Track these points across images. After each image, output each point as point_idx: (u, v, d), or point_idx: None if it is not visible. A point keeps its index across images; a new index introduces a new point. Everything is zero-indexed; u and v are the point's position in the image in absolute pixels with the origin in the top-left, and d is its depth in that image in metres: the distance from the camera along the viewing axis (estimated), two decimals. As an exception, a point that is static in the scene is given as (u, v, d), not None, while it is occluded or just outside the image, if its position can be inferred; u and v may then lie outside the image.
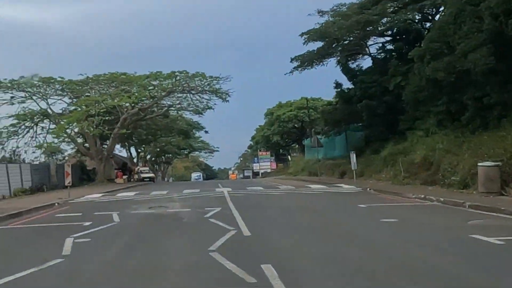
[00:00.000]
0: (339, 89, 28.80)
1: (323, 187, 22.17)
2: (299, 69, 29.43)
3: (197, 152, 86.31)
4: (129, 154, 55.78)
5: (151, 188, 28.84)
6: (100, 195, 22.08)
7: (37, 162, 35.31)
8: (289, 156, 79.81)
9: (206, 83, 35.58)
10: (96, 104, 32.31)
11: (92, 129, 32.18)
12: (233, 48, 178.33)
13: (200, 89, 36.30)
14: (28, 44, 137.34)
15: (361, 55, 29.92)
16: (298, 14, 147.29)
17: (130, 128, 38.28)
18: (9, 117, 34.72)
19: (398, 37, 26.78)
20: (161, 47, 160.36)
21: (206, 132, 54.50)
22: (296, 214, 12.21)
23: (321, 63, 29.70)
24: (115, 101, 32.88)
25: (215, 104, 38.92)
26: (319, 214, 12.22)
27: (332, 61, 30.21)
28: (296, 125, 63.44)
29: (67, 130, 35.46)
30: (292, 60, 28.53)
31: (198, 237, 9.06)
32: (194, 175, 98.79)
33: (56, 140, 36.42)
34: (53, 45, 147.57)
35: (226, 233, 9.06)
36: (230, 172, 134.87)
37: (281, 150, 76.67)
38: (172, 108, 40.74)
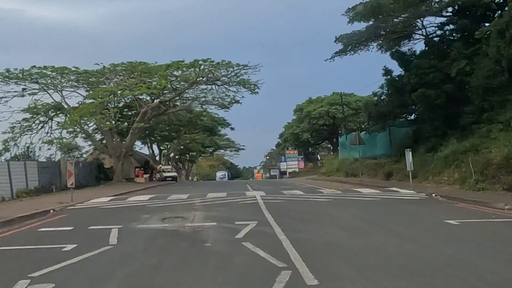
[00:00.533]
0: (388, 77, 24.68)
1: (376, 192, 18.31)
2: (341, 54, 25.58)
3: (222, 151, 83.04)
4: (151, 151, 52.96)
5: (172, 189, 25.58)
6: (109, 198, 18.80)
7: (49, 160, 32.70)
8: (318, 155, 75.96)
9: (232, 73, 32.02)
10: (112, 96, 29.28)
11: (107, 123, 29.11)
12: (260, 45, 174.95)
13: (226, 79, 32.76)
14: (56, 44, 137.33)
15: (411, 38, 25.79)
16: (327, 9, 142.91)
17: (151, 123, 35.13)
18: (22, 111, 32.14)
19: (460, 15, 22.55)
20: (187, 45, 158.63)
21: (232, 129, 51.19)
22: (373, 238, 8.35)
23: (366, 47, 25.80)
24: (134, 92, 29.69)
25: (242, 97, 35.50)
26: (404, 237, 8.33)
27: (373, 48, 26.49)
28: (327, 122, 59.39)
29: (83, 125, 32.55)
30: (336, 40, 24.63)
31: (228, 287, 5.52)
32: (219, 174, 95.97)
33: (68, 136, 33.56)
34: (81, 45, 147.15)
35: (274, 276, 5.49)
36: (255, 171, 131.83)
37: (309, 148, 72.77)
38: (196, 102, 37.41)
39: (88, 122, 33.02)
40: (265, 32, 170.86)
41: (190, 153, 72.59)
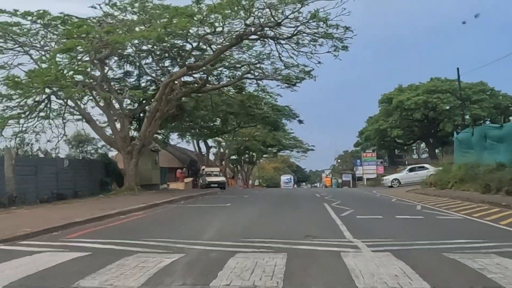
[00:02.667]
0: None
1: None
2: None
3: (287, 151, 70.95)
4: (196, 149, 42.34)
5: (192, 214, 14.48)
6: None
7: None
8: (405, 159, 61.70)
9: (303, 16, 19.91)
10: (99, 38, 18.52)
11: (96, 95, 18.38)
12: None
13: (294, 28, 20.71)
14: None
15: None
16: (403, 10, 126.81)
17: (178, 101, 24.18)
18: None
19: None
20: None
21: (301, 122, 39.15)
22: None
23: None
24: (131, 36, 18.68)
25: (318, 63, 23.08)
26: None
27: None
28: (424, 115, 45.62)
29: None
30: None
31: None
32: (284, 178, 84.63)
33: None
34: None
35: None
36: (323, 175, 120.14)
37: (396, 150, 58.83)
38: (250, 76, 25.84)
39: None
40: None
41: (250, 153, 61.67)
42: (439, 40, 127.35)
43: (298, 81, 24.99)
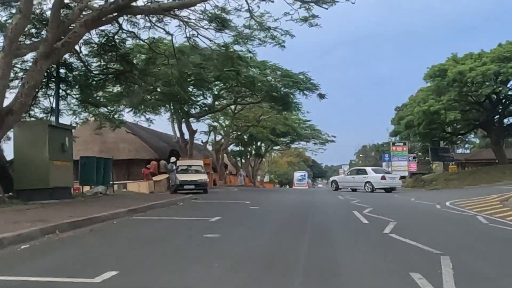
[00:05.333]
0: None
1: None
2: None
3: (302, 143, 58.50)
4: (177, 134, 30.36)
5: None
6: None
7: None
8: (452, 154, 48.95)
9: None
10: None
11: None
12: (349, 43, 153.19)
13: None
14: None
15: None
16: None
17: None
18: None
19: None
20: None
21: (322, 96, 26.95)
22: None
23: None
24: None
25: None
26: None
27: None
28: (495, 92, 33.11)
29: None
30: None
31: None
32: (297, 175, 72.99)
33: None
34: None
35: None
36: (341, 170, 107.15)
37: (441, 142, 45.96)
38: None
39: None
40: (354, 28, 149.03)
41: (257, 143, 49.82)
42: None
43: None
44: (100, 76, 17.04)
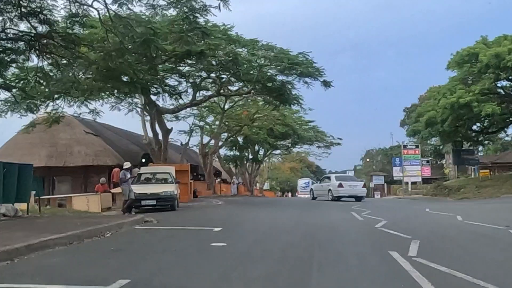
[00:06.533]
0: None
1: None
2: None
3: (305, 147, 52.55)
4: (149, 134, 24.53)
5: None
6: None
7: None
8: (477, 157, 42.82)
9: None
10: None
11: None
12: (350, 49, 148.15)
13: None
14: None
15: None
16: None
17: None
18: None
19: None
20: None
21: (327, 84, 21.23)
22: None
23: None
24: None
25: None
26: None
27: None
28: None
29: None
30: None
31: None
32: (301, 182, 67.39)
33: None
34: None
35: None
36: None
37: (464, 143, 39.86)
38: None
39: None
40: (356, 34, 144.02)
41: (255, 147, 44.10)
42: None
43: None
44: (2, 42, 11.44)
